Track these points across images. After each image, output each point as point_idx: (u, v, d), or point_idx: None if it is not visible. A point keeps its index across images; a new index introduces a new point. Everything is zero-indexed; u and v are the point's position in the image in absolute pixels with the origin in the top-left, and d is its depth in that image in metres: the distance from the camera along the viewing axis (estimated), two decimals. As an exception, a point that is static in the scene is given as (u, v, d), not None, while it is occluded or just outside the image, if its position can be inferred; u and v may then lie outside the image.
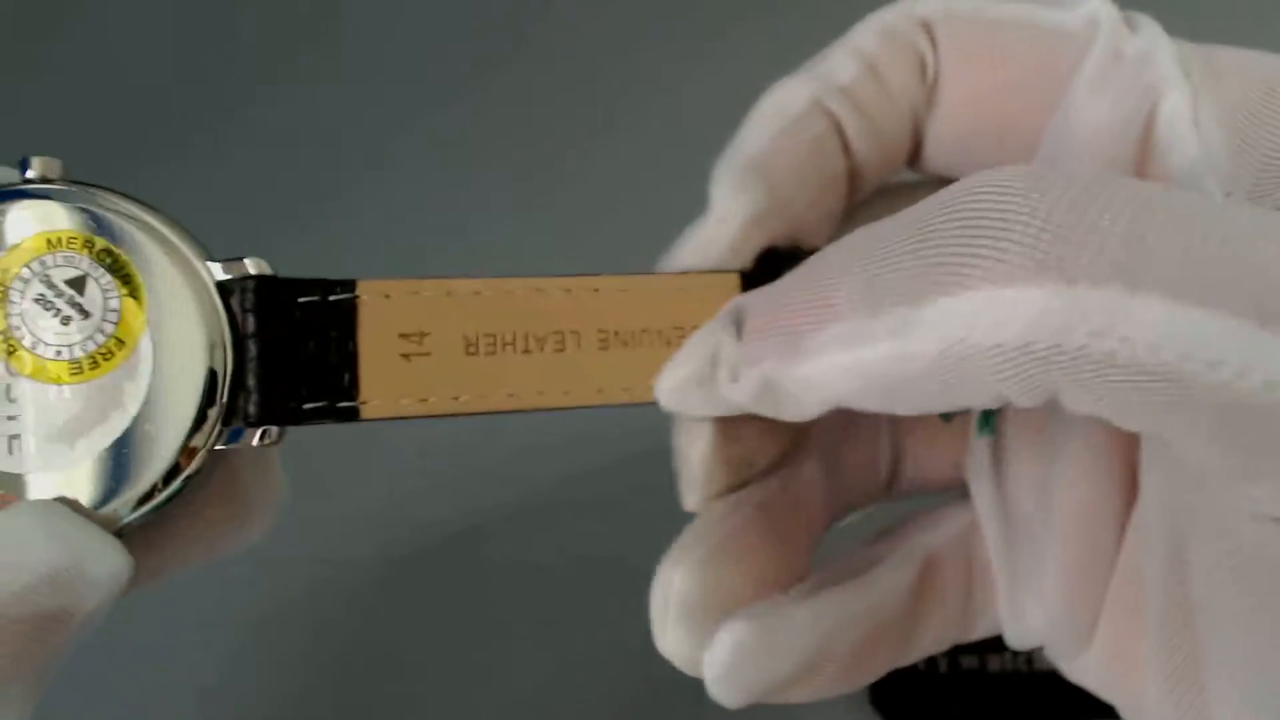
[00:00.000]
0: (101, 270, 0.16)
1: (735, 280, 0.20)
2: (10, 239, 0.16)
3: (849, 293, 0.16)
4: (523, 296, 0.18)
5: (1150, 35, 0.19)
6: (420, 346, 0.18)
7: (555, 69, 0.39)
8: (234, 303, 0.17)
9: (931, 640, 0.21)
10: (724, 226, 0.20)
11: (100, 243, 0.16)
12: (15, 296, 0.16)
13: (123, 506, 0.16)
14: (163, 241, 0.17)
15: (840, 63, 0.21)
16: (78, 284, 0.16)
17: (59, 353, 0.16)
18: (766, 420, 0.18)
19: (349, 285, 0.17)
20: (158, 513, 0.16)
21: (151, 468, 0.16)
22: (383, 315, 0.17)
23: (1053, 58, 0.20)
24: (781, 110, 0.21)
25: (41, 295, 0.16)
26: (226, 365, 0.17)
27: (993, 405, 0.15)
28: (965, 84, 0.20)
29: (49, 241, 0.16)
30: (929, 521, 0.22)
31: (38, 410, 0.16)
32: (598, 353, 0.18)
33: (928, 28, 0.20)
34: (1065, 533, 0.19)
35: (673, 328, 0.19)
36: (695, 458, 0.19)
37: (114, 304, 0.16)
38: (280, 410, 0.17)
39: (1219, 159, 0.18)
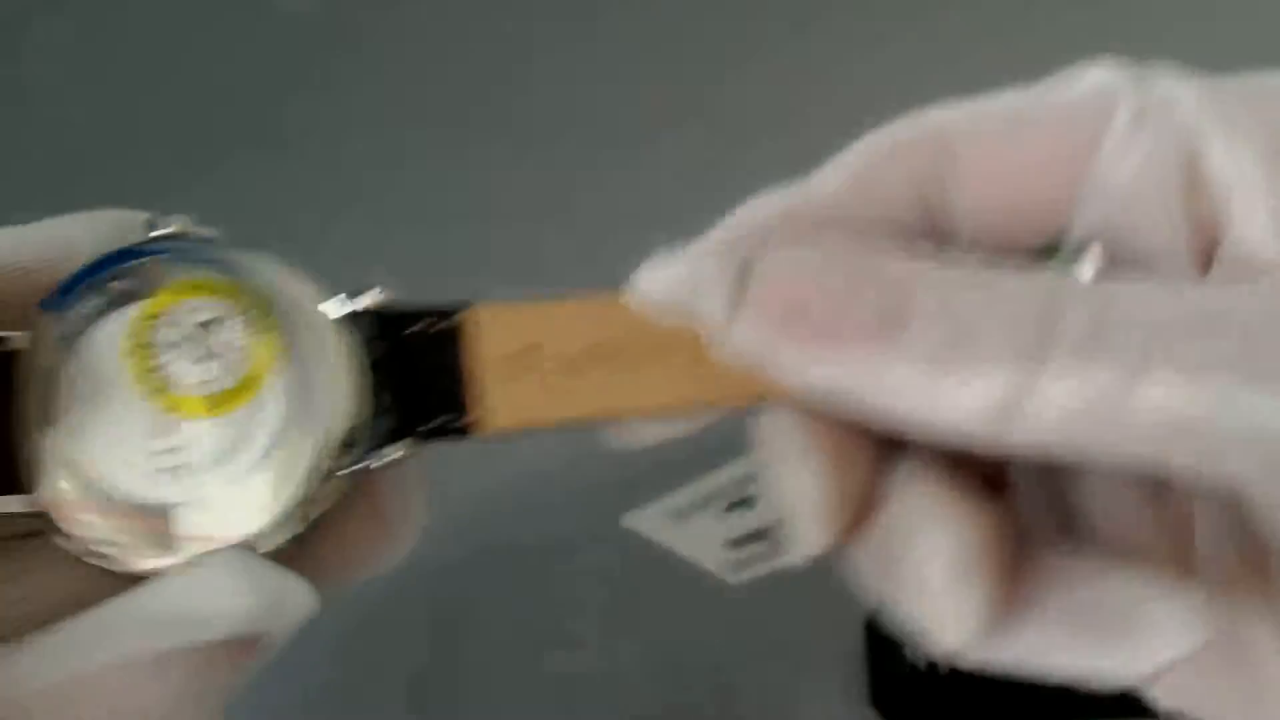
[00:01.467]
0: (235, 313, 0.18)
1: None
2: (154, 287, 0.18)
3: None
4: (623, 312, 0.19)
5: (1169, 84, 0.20)
6: (525, 365, 0.18)
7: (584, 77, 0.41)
8: (354, 336, 0.18)
9: None
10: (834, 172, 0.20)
11: (234, 288, 0.18)
12: (160, 339, 0.17)
13: (264, 532, 0.17)
14: (287, 285, 0.18)
15: (825, 175, 0.20)
16: (215, 326, 0.17)
17: (200, 389, 0.17)
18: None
19: (458, 309, 0.19)
20: (301, 537, 0.17)
21: (285, 494, 0.17)
22: (489, 337, 0.18)
23: (1069, 131, 0.20)
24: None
25: (184, 337, 0.17)
26: (350, 394, 0.18)
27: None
28: (983, 170, 0.20)
29: (189, 288, 0.18)
30: None
31: (181, 444, 0.17)
32: (696, 364, 0.18)
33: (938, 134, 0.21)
34: None
35: None
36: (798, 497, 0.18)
37: (248, 343, 0.18)
38: (402, 432, 0.18)
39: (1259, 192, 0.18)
